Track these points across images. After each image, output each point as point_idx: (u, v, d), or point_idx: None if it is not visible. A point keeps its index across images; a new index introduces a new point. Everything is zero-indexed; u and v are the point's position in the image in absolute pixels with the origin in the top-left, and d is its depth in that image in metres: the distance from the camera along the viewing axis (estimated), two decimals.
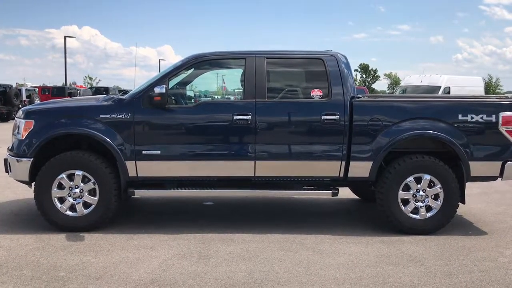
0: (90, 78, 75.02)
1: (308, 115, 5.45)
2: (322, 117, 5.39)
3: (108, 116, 5.36)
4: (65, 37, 41.74)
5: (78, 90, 35.57)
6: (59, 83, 50.39)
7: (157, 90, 5.28)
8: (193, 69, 5.86)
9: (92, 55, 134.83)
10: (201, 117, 5.44)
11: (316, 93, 5.51)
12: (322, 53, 5.71)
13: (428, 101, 5.89)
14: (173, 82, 5.74)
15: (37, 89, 31.76)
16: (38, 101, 27.58)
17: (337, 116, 5.40)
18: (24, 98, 27.30)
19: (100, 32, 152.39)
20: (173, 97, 5.74)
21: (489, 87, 67.09)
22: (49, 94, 31.98)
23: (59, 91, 32.46)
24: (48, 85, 41.97)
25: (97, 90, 39.04)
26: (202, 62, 5.78)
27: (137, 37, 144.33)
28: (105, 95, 6.61)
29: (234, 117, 5.37)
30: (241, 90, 5.88)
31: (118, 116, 5.36)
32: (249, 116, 5.36)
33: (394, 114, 5.48)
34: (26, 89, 29.27)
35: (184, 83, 6.06)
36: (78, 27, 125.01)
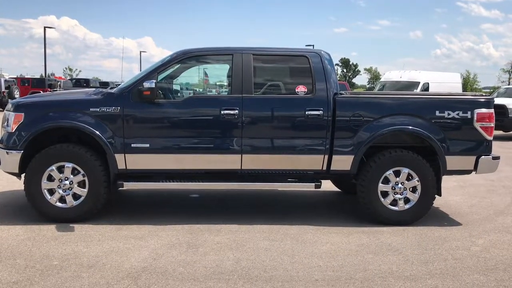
0: (70, 70, 74.08)
1: (293, 110, 5.64)
2: (307, 113, 5.59)
3: (98, 109, 5.47)
4: (44, 27, 41.21)
5: (58, 81, 35.14)
6: (37, 74, 49.78)
7: (146, 84, 5.40)
8: (180, 64, 5.98)
9: (71, 46, 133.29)
10: (189, 111, 5.58)
11: (301, 89, 5.71)
12: (306, 50, 5.92)
13: (408, 98, 6.15)
14: (161, 76, 5.86)
15: (16, 80, 31.27)
16: (18, 92, 27.21)
17: (320, 111, 5.60)
18: (3, 89, 26.90)
19: (79, 22, 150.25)
20: (161, 92, 5.87)
21: (467, 83, 68.16)
22: (29, 85, 31.59)
23: (39, 83, 32.10)
24: (26, 76, 41.36)
25: (77, 82, 38.64)
26: (190, 58, 5.92)
27: (117, 27, 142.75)
28: (94, 89, 6.69)
29: (222, 112, 5.53)
30: (224, 83, 6.00)
31: (107, 109, 5.47)
32: (236, 111, 5.53)
33: (375, 110, 5.70)
34: (5, 80, 28.78)
35: (171, 78, 6.19)
36: (56, 17, 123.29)
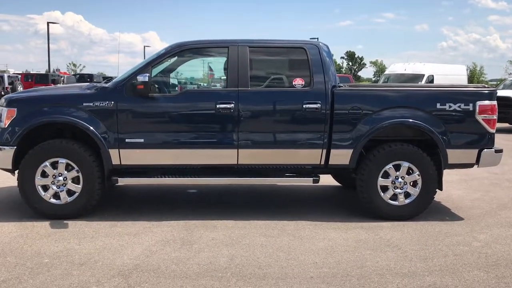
0: (74, 65, 74.06)
1: (290, 104, 5.53)
2: (304, 106, 5.47)
3: (91, 104, 5.37)
4: (48, 23, 41.13)
5: (61, 77, 35.16)
6: (42, 69, 49.76)
7: (140, 78, 5.30)
8: (176, 57, 5.87)
9: (76, 42, 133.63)
10: (184, 105, 5.48)
11: (298, 82, 5.58)
12: (304, 42, 5.77)
13: (407, 90, 6.00)
14: (156, 70, 5.76)
15: (20, 76, 31.31)
16: (21, 88, 27.24)
17: (318, 105, 5.47)
18: (6, 85, 26.95)
19: (84, 17, 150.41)
20: (156, 85, 5.77)
21: (474, 75, 67.52)
22: (32, 81, 31.58)
23: (43, 78, 32.09)
24: (31, 72, 41.42)
25: (81, 77, 38.65)
26: (185, 51, 5.80)
27: (121, 22, 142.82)
28: (88, 83, 6.61)
29: (217, 106, 5.42)
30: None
31: (101, 104, 5.38)
32: (232, 105, 5.42)
33: (374, 102, 5.57)
34: (9, 76, 28.87)
35: (168, 71, 6.09)
36: (61, 13, 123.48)
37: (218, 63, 7.39)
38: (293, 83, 5.60)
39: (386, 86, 7.63)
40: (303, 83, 5.57)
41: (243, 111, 5.44)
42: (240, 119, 5.44)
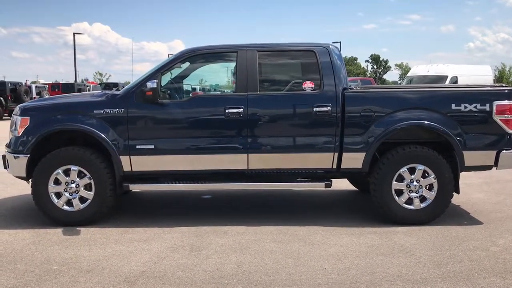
0: (100, 74, 75.54)
1: (300, 107, 5.45)
2: (314, 109, 5.39)
3: (102, 111, 5.41)
4: (74, 33, 42.08)
5: (87, 86, 35.86)
6: (72, 79, 50.84)
7: (149, 85, 5.31)
8: (187, 63, 5.89)
9: (104, 51, 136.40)
10: (193, 111, 5.46)
11: (308, 85, 5.51)
12: (314, 45, 5.69)
13: (421, 91, 5.84)
14: (167, 76, 5.78)
15: (47, 86, 32.05)
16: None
17: (329, 107, 5.38)
18: (34, 95, 27.61)
19: (111, 28, 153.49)
20: (168, 91, 5.78)
21: (503, 75, 65.89)
22: (59, 90, 32.29)
23: (69, 88, 32.74)
24: (60, 82, 42.37)
25: (107, 86, 39.29)
26: (195, 56, 5.79)
27: (147, 32, 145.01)
28: (99, 91, 6.68)
29: (226, 111, 5.39)
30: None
31: (111, 111, 5.41)
32: (241, 109, 5.38)
33: (387, 104, 5.45)
34: (36, 86, 29.61)
35: (180, 77, 6.09)
36: (89, 24, 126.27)
37: (228, 68, 7.40)
38: (303, 86, 5.53)
39: (399, 87, 7.44)
40: (313, 86, 5.49)
41: (252, 115, 5.39)
42: (249, 123, 5.39)
